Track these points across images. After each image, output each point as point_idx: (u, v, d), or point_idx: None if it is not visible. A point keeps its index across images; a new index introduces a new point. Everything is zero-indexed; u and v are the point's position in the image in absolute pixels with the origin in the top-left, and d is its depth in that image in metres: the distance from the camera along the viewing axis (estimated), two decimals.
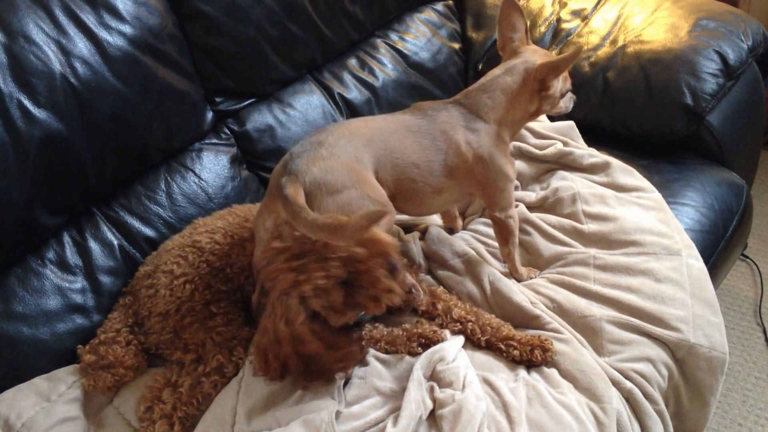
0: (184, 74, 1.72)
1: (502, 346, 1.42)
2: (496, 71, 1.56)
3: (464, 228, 1.80)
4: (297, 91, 2.01)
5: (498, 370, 1.39)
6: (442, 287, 1.57)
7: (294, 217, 1.23)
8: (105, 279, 1.58)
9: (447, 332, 1.44)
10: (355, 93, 2.08)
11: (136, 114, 1.60)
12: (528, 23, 2.23)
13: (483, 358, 1.42)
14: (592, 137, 1.96)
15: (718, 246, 1.78)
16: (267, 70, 1.91)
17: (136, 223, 1.65)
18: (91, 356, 1.44)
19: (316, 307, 1.23)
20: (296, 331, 1.23)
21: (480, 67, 2.31)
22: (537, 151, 1.89)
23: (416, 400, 1.27)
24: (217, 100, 1.86)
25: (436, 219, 1.82)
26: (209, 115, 1.84)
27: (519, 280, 1.60)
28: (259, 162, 1.91)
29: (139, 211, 1.66)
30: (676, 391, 1.47)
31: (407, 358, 1.39)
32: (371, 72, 2.13)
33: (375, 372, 1.37)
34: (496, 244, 1.64)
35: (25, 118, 1.42)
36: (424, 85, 2.22)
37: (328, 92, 2.05)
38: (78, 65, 1.50)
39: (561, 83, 1.58)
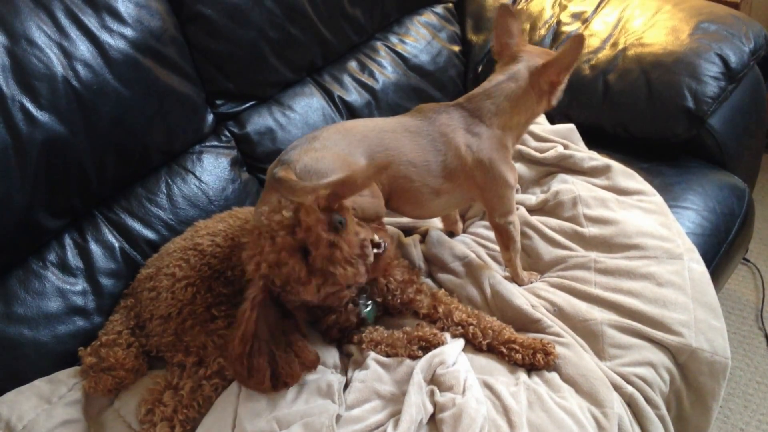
0: (184, 77, 1.72)
1: (504, 350, 1.41)
2: (500, 77, 1.55)
3: (465, 231, 1.79)
4: (297, 94, 2.01)
5: (498, 373, 1.39)
6: (443, 290, 1.57)
7: (291, 190, 1.26)
8: (106, 281, 1.58)
9: (447, 335, 1.44)
10: (355, 95, 2.08)
11: (137, 116, 1.60)
12: (527, 26, 2.24)
13: (483, 361, 1.42)
14: (592, 140, 1.96)
15: (720, 250, 1.78)
16: (267, 72, 1.91)
17: (136, 226, 1.65)
18: (92, 358, 1.44)
19: (278, 282, 1.23)
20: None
21: (480, 69, 2.31)
22: (537, 154, 1.89)
23: (416, 404, 1.27)
24: (218, 102, 1.86)
25: (436, 222, 1.81)
26: (210, 117, 1.84)
27: (520, 285, 1.60)
28: (260, 164, 1.91)
29: (140, 213, 1.67)
30: (678, 396, 1.47)
31: (407, 361, 1.39)
32: (371, 75, 2.13)
33: (375, 376, 1.37)
34: (496, 247, 1.64)
35: (27, 121, 1.42)
36: (424, 87, 2.22)
37: (328, 95, 2.05)
38: (80, 68, 1.50)
39: (566, 79, 1.56)
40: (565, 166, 1.86)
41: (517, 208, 1.74)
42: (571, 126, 1.95)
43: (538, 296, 1.55)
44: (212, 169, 1.80)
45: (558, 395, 1.33)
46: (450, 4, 2.41)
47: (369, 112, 2.08)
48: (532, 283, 1.61)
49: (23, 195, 1.44)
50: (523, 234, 1.69)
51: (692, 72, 1.89)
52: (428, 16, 2.34)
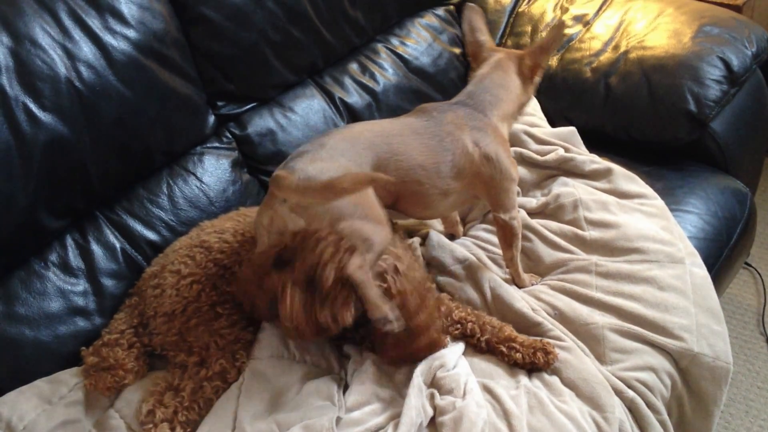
0: (187, 78, 1.72)
1: (504, 349, 1.41)
2: (485, 69, 1.61)
3: (465, 234, 1.79)
4: (298, 96, 2.01)
5: (499, 377, 1.39)
6: (444, 293, 1.57)
7: (282, 188, 1.27)
8: (107, 282, 1.58)
9: (448, 338, 1.44)
10: (356, 97, 2.08)
11: (139, 118, 1.60)
12: (528, 29, 2.25)
13: (483, 365, 1.42)
14: (593, 143, 1.96)
15: (722, 254, 1.78)
16: (269, 74, 1.91)
17: (138, 227, 1.65)
18: (94, 358, 1.44)
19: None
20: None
21: None
22: (538, 157, 1.89)
23: (416, 407, 1.27)
24: (219, 104, 1.86)
25: (436, 225, 1.81)
26: (211, 119, 1.84)
27: (521, 286, 1.60)
28: (260, 166, 1.91)
29: (141, 214, 1.66)
30: (679, 401, 1.47)
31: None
32: (372, 77, 2.13)
33: (375, 378, 1.37)
34: (497, 250, 1.64)
35: (30, 122, 1.42)
36: (425, 89, 2.21)
37: (329, 97, 2.04)
38: (83, 69, 1.50)
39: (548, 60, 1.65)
40: (566, 169, 1.86)
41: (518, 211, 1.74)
42: (572, 129, 1.95)
43: (539, 299, 1.55)
44: (213, 170, 1.80)
45: (559, 399, 1.33)
46: (451, 7, 2.41)
47: (370, 114, 2.08)
48: (533, 285, 1.61)
49: (26, 195, 1.44)
50: (524, 237, 1.69)
51: (694, 75, 1.90)
52: (429, 18, 2.33)
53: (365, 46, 2.18)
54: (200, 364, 1.39)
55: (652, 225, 1.65)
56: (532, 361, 1.39)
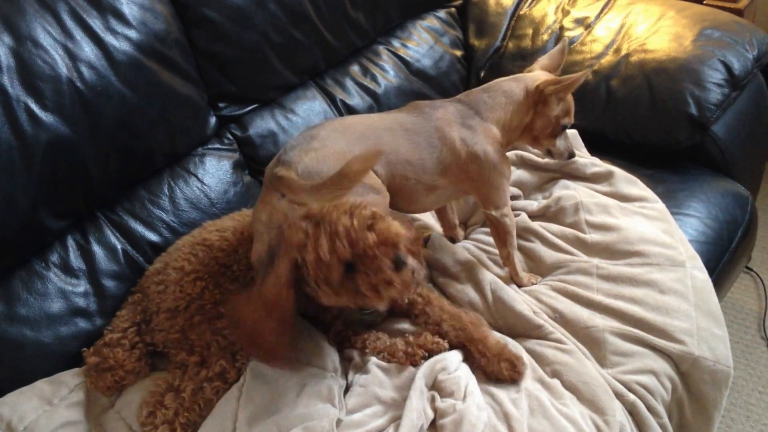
0: (188, 79, 1.72)
1: (473, 349, 1.40)
2: (502, 78, 1.62)
3: (466, 237, 1.79)
4: (299, 97, 2.01)
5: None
6: (436, 293, 1.56)
7: (293, 190, 1.27)
8: (108, 283, 1.58)
9: (446, 342, 1.43)
10: (357, 99, 2.08)
11: (140, 118, 1.61)
12: (529, 31, 2.25)
13: None
14: (595, 146, 1.96)
15: (723, 258, 1.77)
16: (270, 75, 1.91)
17: (139, 228, 1.65)
18: (95, 358, 1.45)
19: (311, 275, 1.22)
20: (267, 289, 1.22)
21: (482, 74, 2.31)
22: (539, 160, 1.89)
23: (417, 409, 1.27)
24: (221, 105, 1.86)
25: (437, 228, 1.81)
26: (212, 120, 1.84)
27: (519, 285, 1.60)
28: (262, 168, 1.89)
29: (142, 215, 1.66)
30: (680, 405, 1.46)
31: (409, 367, 1.39)
32: (373, 79, 2.13)
33: (376, 380, 1.37)
34: (498, 252, 1.64)
35: (31, 122, 1.42)
36: (426, 92, 2.22)
37: (331, 98, 2.05)
38: (84, 69, 1.50)
39: (560, 108, 1.59)
40: (567, 171, 1.86)
41: (519, 214, 1.74)
42: (574, 131, 1.95)
43: (540, 301, 1.54)
44: (214, 171, 1.80)
45: (560, 402, 1.33)
46: (452, 9, 2.41)
47: None
48: (532, 285, 1.60)
49: (27, 195, 1.44)
50: (525, 239, 1.69)
51: (695, 79, 1.89)
52: (431, 21, 2.34)
53: (367, 47, 2.19)
54: (200, 364, 1.39)
55: (653, 228, 1.65)
56: (494, 370, 1.37)
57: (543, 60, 1.69)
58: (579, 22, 2.20)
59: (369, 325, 1.50)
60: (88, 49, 1.52)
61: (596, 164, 1.85)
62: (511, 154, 1.91)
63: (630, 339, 1.45)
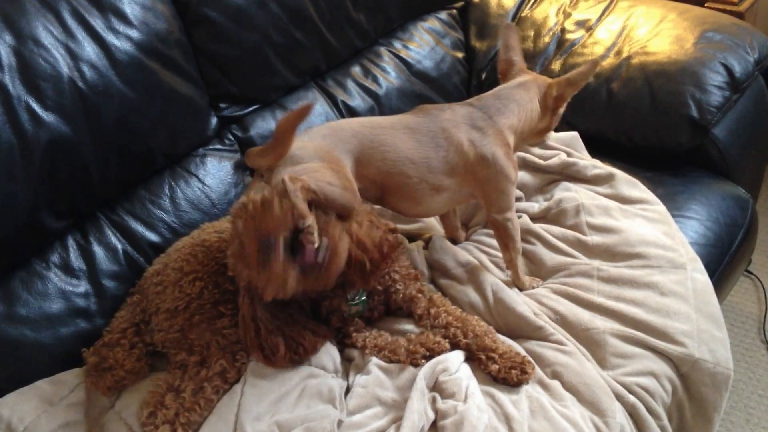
0: (189, 80, 1.72)
1: (483, 357, 1.40)
2: (508, 85, 1.60)
3: (467, 239, 1.79)
4: (300, 98, 2.01)
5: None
6: (439, 294, 1.56)
7: (249, 156, 1.38)
8: (108, 283, 1.58)
9: (447, 342, 1.43)
10: (358, 101, 2.08)
11: (141, 118, 1.61)
12: (531, 34, 2.25)
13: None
14: (595, 148, 1.95)
15: (723, 260, 1.77)
16: (271, 76, 1.91)
17: (140, 228, 1.65)
18: (95, 358, 1.44)
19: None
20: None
21: (483, 76, 2.31)
22: (541, 162, 1.89)
23: (419, 410, 1.27)
24: (222, 105, 1.86)
25: (439, 229, 1.81)
26: (213, 120, 1.84)
27: (522, 289, 1.60)
28: None
29: (143, 215, 1.66)
30: (680, 407, 1.46)
31: (410, 367, 1.39)
32: (375, 80, 2.13)
33: (377, 381, 1.37)
34: (500, 254, 1.64)
35: (32, 121, 1.42)
36: (427, 93, 2.21)
37: (332, 100, 2.05)
38: (85, 69, 1.50)
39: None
40: (569, 174, 1.85)
41: (520, 216, 1.74)
42: (575, 134, 1.95)
43: (541, 303, 1.54)
44: (215, 172, 1.80)
45: (560, 404, 1.33)
46: (454, 10, 2.41)
47: None
48: (533, 288, 1.60)
49: (27, 195, 1.44)
50: (526, 241, 1.69)
51: (696, 81, 1.89)
52: (432, 22, 2.34)
53: (368, 49, 2.19)
54: (200, 364, 1.39)
55: (653, 230, 1.65)
56: (504, 378, 1.37)
57: (516, 57, 1.67)
58: (580, 24, 2.20)
59: (367, 321, 1.51)
60: (89, 49, 1.52)
61: (597, 166, 1.85)
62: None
63: (630, 341, 1.45)
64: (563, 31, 2.21)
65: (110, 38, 1.55)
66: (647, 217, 1.69)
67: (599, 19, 2.18)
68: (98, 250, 1.59)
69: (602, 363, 1.43)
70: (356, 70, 2.13)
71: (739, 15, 2.37)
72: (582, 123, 2.03)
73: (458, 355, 1.41)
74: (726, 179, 1.94)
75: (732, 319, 2.40)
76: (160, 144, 1.68)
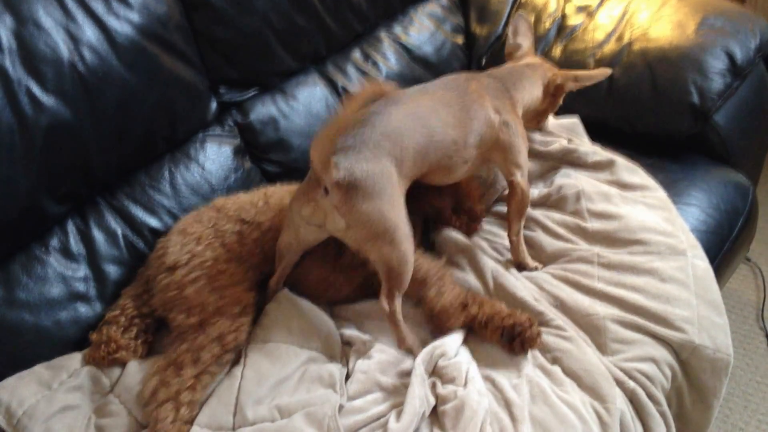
0: (189, 64, 1.72)
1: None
2: (520, 64, 1.70)
3: None
4: (301, 83, 2.00)
5: (500, 366, 1.39)
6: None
7: (330, 183, 1.31)
8: (108, 268, 1.58)
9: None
10: (358, 86, 2.07)
11: (141, 102, 1.60)
12: (531, 19, 2.24)
13: (485, 353, 1.42)
14: (596, 135, 1.94)
15: (723, 247, 1.77)
16: (271, 61, 1.91)
17: (139, 213, 1.65)
18: (97, 336, 1.46)
19: None
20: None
21: (483, 62, 2.30)
22: (541, 148, 1.88)
23: (420, 396, 1.28)
24: (222, 90, 1.86)
25: None
26: (213, 105, 1.83)
27: (525, 267, 1.60)
28: (262, 154, 1.90)
29: (143, 200, 1.66)
30: (679, 393, 1.47)
31: (410, 355, 1.39)
32: (375, 65, 2.12)
33: (377, 366, 1.37)
34: (499, 240, 1.65)
35: (32, 104, 1.42)
36: (427, 79, 2.17)
37: (332, 85, 2.04)
38: (86, 52, 1.50)
39: None
40: (569, 160, 1.85)
41: None
42: (576, 119, 1.94)
43: (541, 289, 1.54)
44: (215, 157, 1.80)
45: (560, 389, 1.33)
46: None
47: None
48: (536, 269, 1.60)
49: (27, 179, 1.43)
50: (526, 227, 1.68)
51: (698, 67, 1.89)
52: (432, 7, 2.33)
53: (368, 34, 2.18)
54: (198, 327, 1.38)
55: (654, 217, 1.65)
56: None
57: (525, 42, 1.75)
58: (581, 9, 2.19)
59: None
60: (90, 32, 1.51)
61: (598, 153, 1.84)
62: None
63: (631, 327, 1.45)
64: (564, 16, 2.20)
65: (111, 21, 1.54)
66: (648, 204, 1.69)
67: (600, 3, 2.17)
68: (98, 235, 1.59)
69: (602, 349, 1.43)
70: (357, 55, 2.12)
71: (740, 1, 2.36)
72: (583, 109, 2.02)
73: (456, 339, 1.41)
74: (726, 166, 1.93)
75: (731, 307, 2.40)
76: (160, 128, 1.67)
